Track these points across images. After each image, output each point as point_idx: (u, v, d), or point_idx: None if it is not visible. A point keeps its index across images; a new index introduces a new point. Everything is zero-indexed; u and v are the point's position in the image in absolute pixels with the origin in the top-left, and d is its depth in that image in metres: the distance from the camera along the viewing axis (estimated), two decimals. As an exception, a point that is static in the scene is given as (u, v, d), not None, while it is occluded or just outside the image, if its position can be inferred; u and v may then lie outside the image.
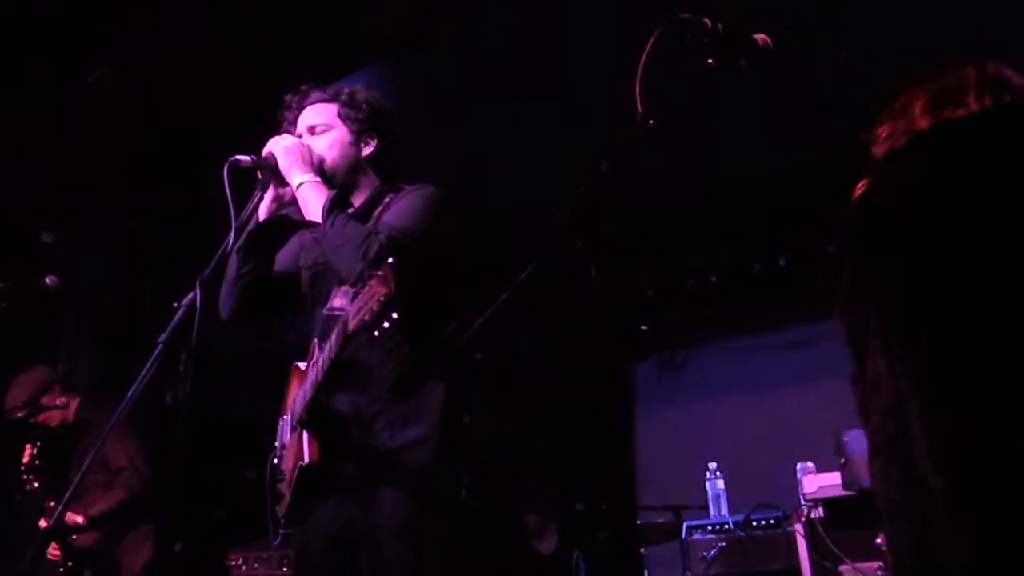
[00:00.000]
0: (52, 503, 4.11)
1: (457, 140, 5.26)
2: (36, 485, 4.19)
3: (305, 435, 2.35)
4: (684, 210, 5.72)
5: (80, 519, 4.08)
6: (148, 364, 2.09)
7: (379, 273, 1.99)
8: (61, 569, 4.13)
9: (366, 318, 2.00)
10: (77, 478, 2.32)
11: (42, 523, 4.10)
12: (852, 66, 4.61)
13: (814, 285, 5.98)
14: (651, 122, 1.54)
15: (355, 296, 2.11)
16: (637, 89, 1.59)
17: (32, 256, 5.67)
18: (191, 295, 2.20)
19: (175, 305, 2.20)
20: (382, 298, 1.96)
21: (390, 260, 1.99)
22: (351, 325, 2.08)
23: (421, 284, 2.13)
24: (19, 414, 4.22)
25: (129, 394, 2.09)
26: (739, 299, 6.33)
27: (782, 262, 5.96)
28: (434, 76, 4.96)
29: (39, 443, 4.26)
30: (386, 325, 1.97)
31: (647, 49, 1.64)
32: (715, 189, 5.46)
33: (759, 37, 1.82)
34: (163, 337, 2.16)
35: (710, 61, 1.69)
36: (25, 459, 4.20)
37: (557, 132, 5.09)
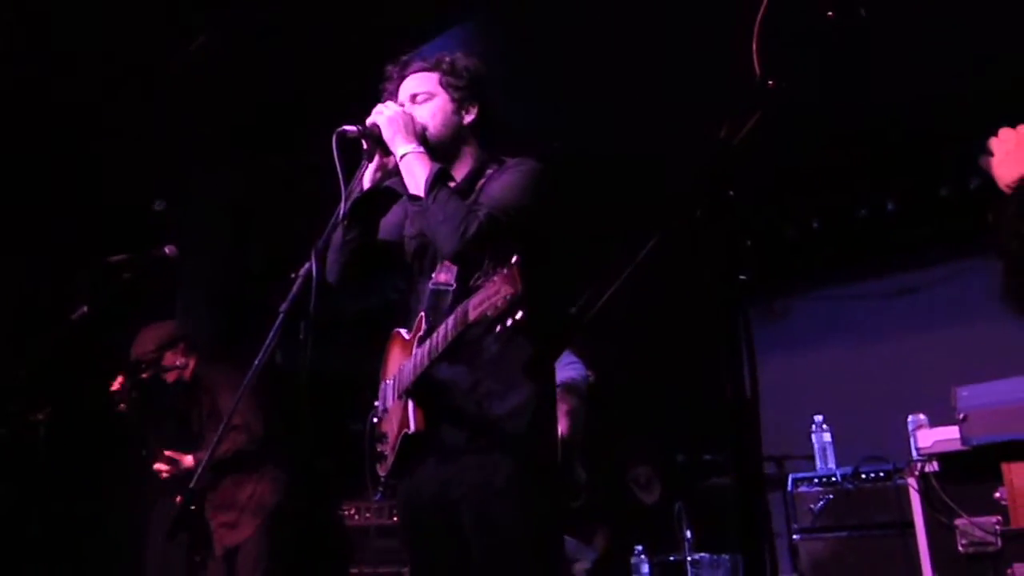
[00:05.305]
0: (166, 452, 4.34)
1: (548, 91, 5.21)
2: (123, 407, 4.37)
3: (411, 404, 2.42)
4: (783, 156, 5.54)
5: (189, 459, 4.34)
6: (271, 333, 2.18)
7: (505, 271, 1.99)
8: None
9: (488, 312, 2.02)
10: (218, 438, 2.46)
11: (156, 466, 4.35)
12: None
13: (925, 231, 5.77)
14: (770, 82, 1.50)
15: (460, 276, 2.05)
16: (753, 48, 1.55)
17: (143, 224, 5.91)
18: (307, 265, 2.27)
19: (292, 276, 2.27)
20: (508, 296, 1.96)
21: (515, 259, 1.98)
22: (472, 316, 2.10)
23: (543, 281, 2.13)
24: (144, 373, 4.41)
25: (256, 361, 2.18)
26: (843, 247, 6.14)
27: (890, 207, 5.74)
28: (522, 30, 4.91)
29: (150, 388, 4.44)
30: (509, 323, 1.99)
31: (762, 7, 1.58)
32: (817, 132, 5.27)
33: (878, -15, 1.74)
34: (284, 306, 2.23)
35: (830, 14, 1.63)
36: (115, 386, 4.38)
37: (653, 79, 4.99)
